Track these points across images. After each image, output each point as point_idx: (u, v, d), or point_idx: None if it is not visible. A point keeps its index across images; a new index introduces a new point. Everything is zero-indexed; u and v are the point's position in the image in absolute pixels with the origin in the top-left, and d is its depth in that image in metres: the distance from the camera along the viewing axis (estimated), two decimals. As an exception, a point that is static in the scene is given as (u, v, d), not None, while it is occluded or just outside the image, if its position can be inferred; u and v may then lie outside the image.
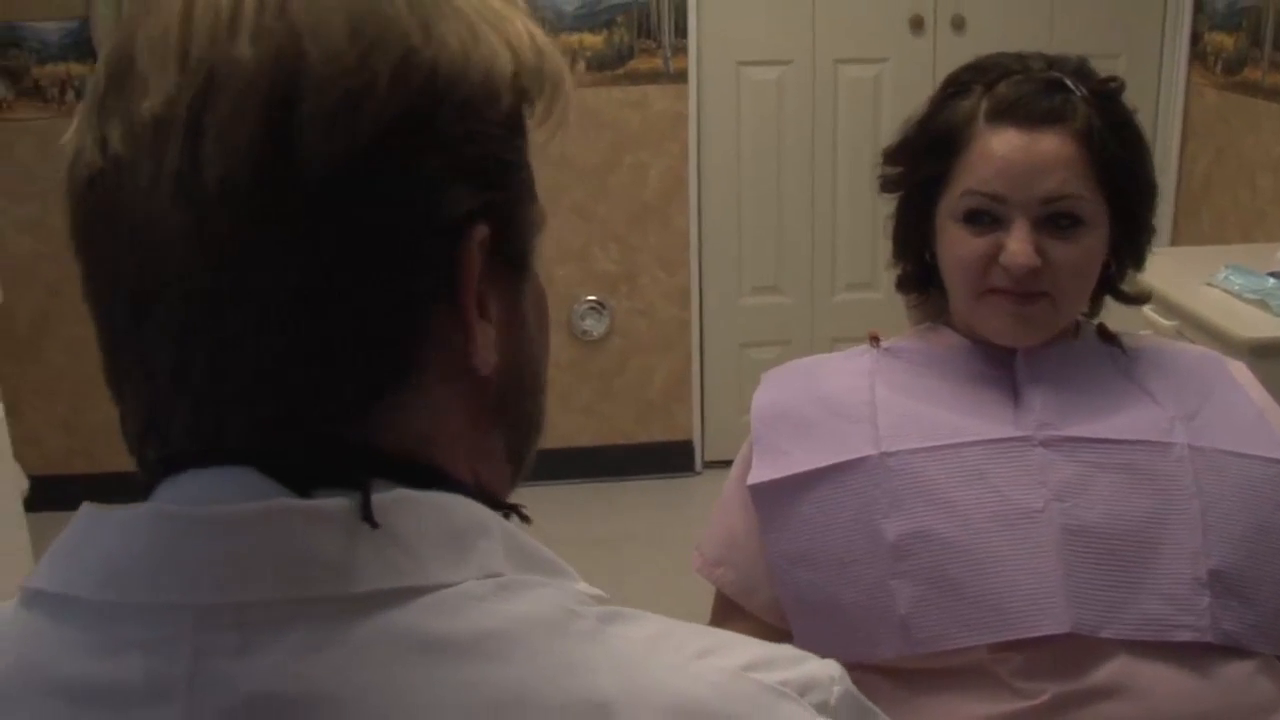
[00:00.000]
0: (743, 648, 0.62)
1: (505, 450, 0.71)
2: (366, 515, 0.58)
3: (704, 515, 1.49)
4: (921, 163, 1.38)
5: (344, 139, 0.57)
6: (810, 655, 0.65)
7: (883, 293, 4.15)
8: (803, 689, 0.61)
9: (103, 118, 0.60)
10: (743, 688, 0.60)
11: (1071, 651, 1.22)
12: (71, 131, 0.62)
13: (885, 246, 1.48)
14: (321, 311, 0.58)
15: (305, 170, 0.57)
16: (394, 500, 0.59)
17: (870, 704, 0.66)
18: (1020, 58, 1.36)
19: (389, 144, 0.58)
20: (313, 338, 0.59)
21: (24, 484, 2.91)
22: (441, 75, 0.60)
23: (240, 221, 0.57)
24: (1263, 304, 2.63)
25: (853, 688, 0.64)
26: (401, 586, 0.57)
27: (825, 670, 0.64)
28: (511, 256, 0.66)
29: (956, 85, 1.37)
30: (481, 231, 0.62)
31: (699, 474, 4.34)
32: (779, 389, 1.44)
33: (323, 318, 0.59)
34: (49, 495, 2.80)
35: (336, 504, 0.58)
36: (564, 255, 4.10)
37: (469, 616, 0.58)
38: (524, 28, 0.65)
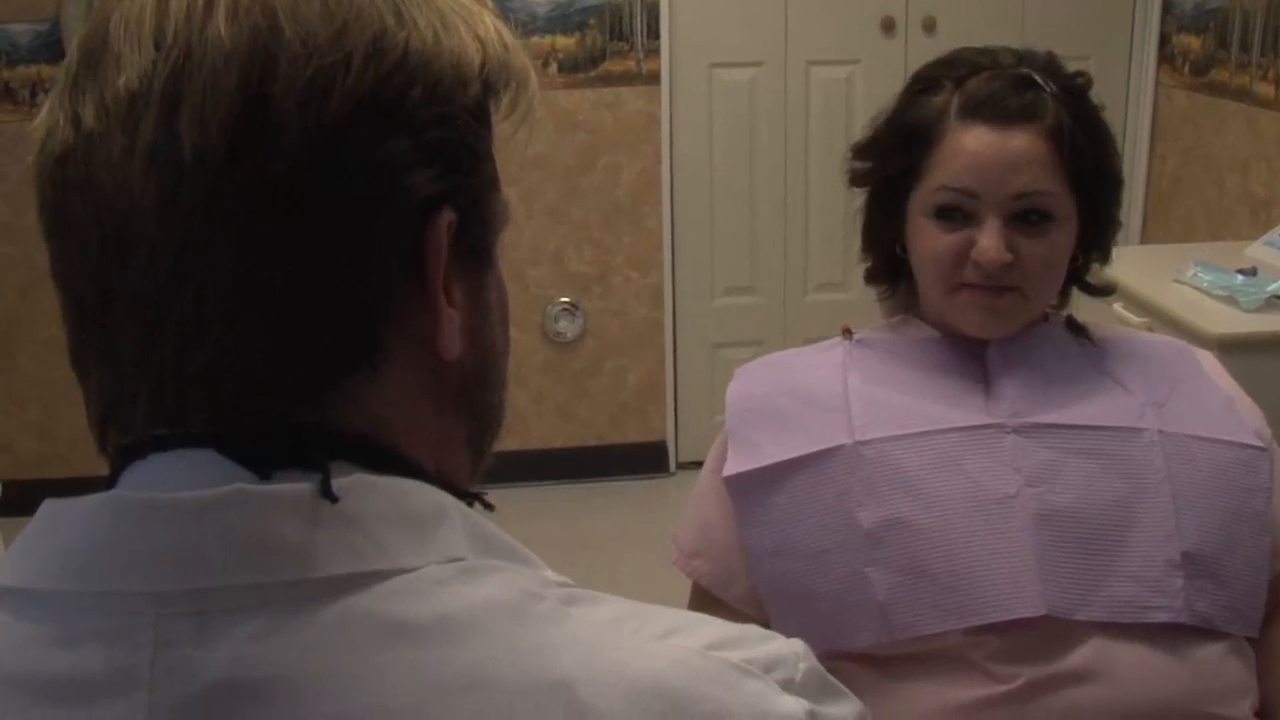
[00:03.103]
0: (706, 627, 0.62)
1: (466, 440, 0.71)
2: (326, 492, 0.58)
3: (678, 516, 1.49)
4: (892, 157, 1.38)
5: (316, 115, 0.58)
6: (775, 634, 0.64)
7: (854, 293, 4.16)
8: (767, 666, 0.61)
9: (75, 97, 0.60)
10: (706, 666, 0.59)
11: (1047, 635, 1.23)
12: (43, 115, 0.62)
13: (857, 245, 1.49)
14: (288, 288, 0.59)
15: (279, 144, 0.57)
16: (354, 484, 0.59)
17: (835, 681, 0.65)
18: (989, 53, 1.37)
19: (360, 122, 0.59)
20: (278, 315, 0.59)
21: (-4, 488, 2.90)
22: (413, 57, 0.61)
23: (213, 192, 0.57)
24: (1231, 300, 2.66)
25: (817, 664, 0.64)
26: (362, 571, 0.57)
27: (790, 648, 0.63)
28: (476, 246, 0.67)
29: (926, 81, 1.38)
30: (448, 216, 0.63)
31: (673, 475, 4.34)
32: (753, 382, 1.45)
33: (289, 294, 0.59)
34: (21, 500, 2.78)
35: (296, 489, 0.58)
36: (537, 257, 4.10)
37: (430, 600, 0.57)
38: (492, 24, 0.66)
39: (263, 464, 0.59)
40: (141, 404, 0.61)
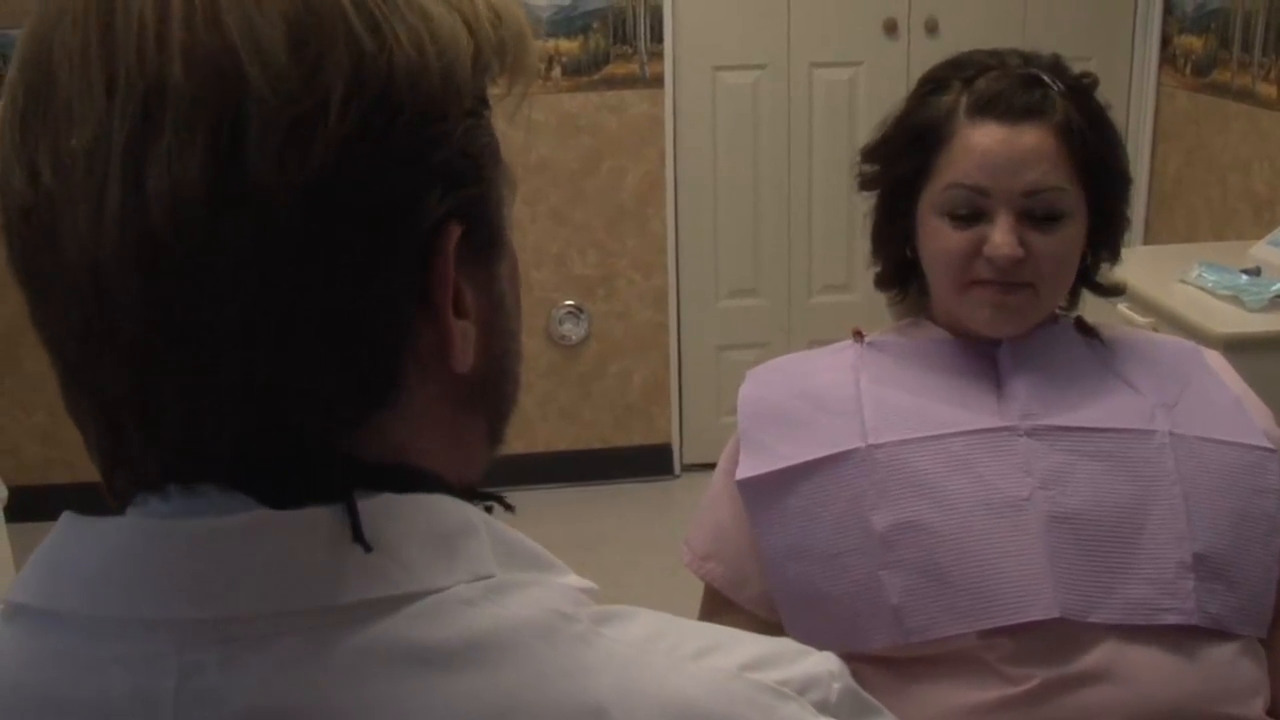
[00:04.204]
0: (740, 646, 0.60)
1: (486, 433, 0.68)
2: (357, 536, 0.56)
3: (684, 518, 1.49)
4: (902, 158, 1.39)
5: (299, 167, 0.53)
6: (809, 650, 0.63)
7: (859, 294, 4.17)
8: (802, 688, 0.59)
9: (28, 142, 0.55)
10: (741, 689, 0.58)
11: (1060, 637, 1.24)
12: None
13: (861, 248, 1.49)
14: (293, 341, 0.55)
15: (261, 199, 0.53)
16: (378, 505, 0.57)
17: (870, 698, 0.64)
18: (996, 54, 1.38)
19: (348, 165, 0.54)
20: (286, 369, 0.56)
21: (3, 493, 2.90)
22: (398, 80, 0.55)
23: (197, 254, 0.53)
24: (1235, 299, 2.66)
25: (852, 682, 0.63)
26: (390, 595, 0.56)
27: (824, 666, 0.62)
28: (485, 243, 0.63)
29: (935, 82, 1.38)
30: (454, 231, 0.59)
31: (678, 477, 4.34)
32: (764, 385, 1.45)
33: (295, 347, 0.55)
34: (28, 505, 2.79)
35: (320, 514, 0.56)
36: (541, 260, 4.10)
37: (459, 622, 0.56)
38: None
39: (279, 498, 0.56)
40: (149, 451, 0.58)
